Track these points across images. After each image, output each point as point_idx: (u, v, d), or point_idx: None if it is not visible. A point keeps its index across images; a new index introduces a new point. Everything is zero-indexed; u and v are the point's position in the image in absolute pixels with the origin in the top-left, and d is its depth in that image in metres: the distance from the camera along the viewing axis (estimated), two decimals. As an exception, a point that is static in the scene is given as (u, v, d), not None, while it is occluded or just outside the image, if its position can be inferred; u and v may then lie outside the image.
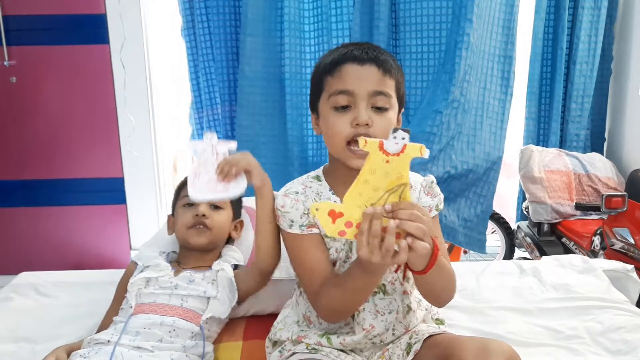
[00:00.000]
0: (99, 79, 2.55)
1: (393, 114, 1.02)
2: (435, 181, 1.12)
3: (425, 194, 1.10)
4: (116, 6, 2.48)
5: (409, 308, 1.12)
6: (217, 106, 2.65)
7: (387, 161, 0.83)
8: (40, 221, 2.67)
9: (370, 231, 0.82)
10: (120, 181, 2.66)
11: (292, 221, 1.05)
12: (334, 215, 0.86)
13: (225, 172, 1.11)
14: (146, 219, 2.70)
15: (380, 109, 1.00)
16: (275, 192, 1.12)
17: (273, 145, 2.59)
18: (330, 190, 1.08)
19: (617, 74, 2.75)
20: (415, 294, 1.14)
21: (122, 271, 1.41)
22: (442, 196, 1.12)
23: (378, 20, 2.46)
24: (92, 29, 2.50)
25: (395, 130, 0.83)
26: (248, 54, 2.49)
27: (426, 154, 0.83)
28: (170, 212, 1.46)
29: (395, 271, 1.01)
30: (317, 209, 0.86)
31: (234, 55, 2.58)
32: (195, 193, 1.10)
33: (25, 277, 1.68)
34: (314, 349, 1.08)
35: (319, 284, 1.03)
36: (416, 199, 1.09)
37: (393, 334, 1.11)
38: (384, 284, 1.07)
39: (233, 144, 1.14)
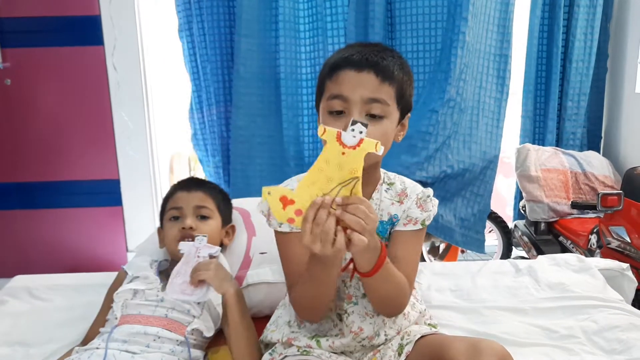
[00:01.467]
0: (94, 81, 2.55)
1: (390, 123, 1.01)
2: (432, 196, 1.11)
3: (416, 206, 1.09)
4: (110, 7, 2.47)
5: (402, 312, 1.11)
6: (213, 107, 2.65)
7: (343, 153, 0.83)
8: (36, 224, 2.66)
9: (315, 220, 0.83)
10: (116, 183, 2.66)
11: None
12: (285, 201, 0.85)
13: (194, 279, 1.15)
14: (142, 221, 2.69)
15: (374, 117, 0.99)
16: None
17: (269, 146, 2.59)
18: None
19: (613, 72, 2.74)
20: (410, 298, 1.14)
21: (113, 274, 1.40)
22: (433, 212, 1.10)
23: (373, 20, 2.45)
24: (87, 31, 2.49)
25: (354, 122, 0.83)
26: (243, 54, 2.48)
27: (380, 150, 0.84)
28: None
29: (342, 270, 1.01)
30: (268, 193, 0.85)
31: (229, 55, 2.57)
32: (169, 292, 1.16)
33: (20, 280, 1.68)
34: (305, 351, 1.08)
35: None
36: (407, 208, 1.08)
37: (385, 337, 1.11)
38: None
39: (215, 249, 1.19)
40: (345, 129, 0.94)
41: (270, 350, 1.13)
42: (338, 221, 0.83)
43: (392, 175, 1.14)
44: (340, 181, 0.84)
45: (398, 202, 1.09)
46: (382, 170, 1.13)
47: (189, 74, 2.63)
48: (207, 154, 2.73)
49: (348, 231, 0.83)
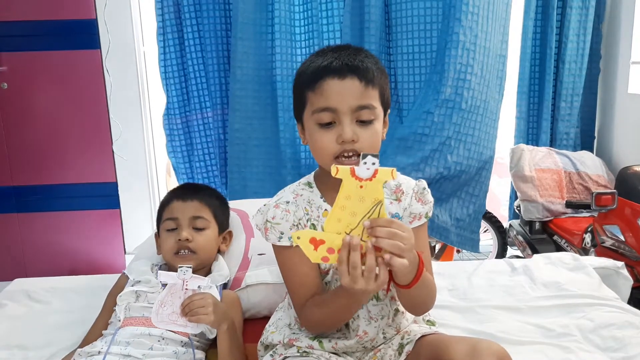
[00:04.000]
0: (91, 84, 2.55)
1: (378, 124, 1.02)
2: (427, 187, 1.12)
3: (416, 201, 1.09)
4: (106, 11, 2.47)
5: (397, 310, 1.12)
6: (208, 110, 2.65)
7: (361, 186, 0.85)
8: (34, 227, 2.66)
9: (350, 262, 0.83)
10: (114, 186, 2.66)
11: (282, 233, 1.05)
12: (315, 242, 0.86)
13: (187, 312, 1.13)
14: (140, 224, 2.69)
15: (364, 122, 0.99)
16: (265, 202, 1.11)
17: (265, 148, 2.60)
18: (321, 198, 1.08)
19: (606, 73, 2.77)
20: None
21: (116, 276, 1.41)
22: (432, 202, 1.11)
23: (369, 22, 2.46)
24: (83, 35, 2.50)
25: (364, 156, 0.84)
26: (239, 57, 2.49)
27: (396, 176, 0.86)
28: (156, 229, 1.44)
29: (387, 291, 1.02)
30: (298, 237, 0.86)
31: (225, 58, 2.58)
32: (157, 322, 1.14)
33: (18, 283, 1.68)
34: (305, 352, 1.08)
35: (305, 298, 1.04)
36: (407, 205, 1.09)
37: (384, 337, 1.12)
38: None
39: (204, 281, 1.17)
40: (338, 140, 0.98)
41: (271, 352, 1.13)
42: (377, 249, 0.84)
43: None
44: (365, 212, 0.85)
45: (396, 200, 1.09)
46: None
47: (161, 79, 2.60)
48: (186, 160, 2.71)
49: (387, 256, 0.84)
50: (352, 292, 0.88)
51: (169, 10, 2.54)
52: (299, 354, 1.07)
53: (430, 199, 1.11)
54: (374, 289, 0.85)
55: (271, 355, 1.12)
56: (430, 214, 1.10)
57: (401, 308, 1.12)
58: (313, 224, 1.05)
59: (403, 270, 0.86)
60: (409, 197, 1.09)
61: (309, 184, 1.10)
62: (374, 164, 0.84)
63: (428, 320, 1.20)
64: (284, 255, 1.06)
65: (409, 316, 1.16)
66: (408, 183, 1.12)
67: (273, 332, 1.17)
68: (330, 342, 1.09)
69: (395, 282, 0.93)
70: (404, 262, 0.84)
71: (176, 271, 1.15)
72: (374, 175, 0.84)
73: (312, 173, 1.13)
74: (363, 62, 1.00)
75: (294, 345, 1.11)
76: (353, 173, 0.84)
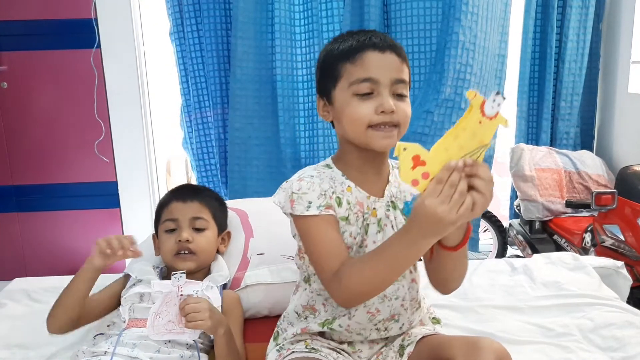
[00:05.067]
0: (90, 84, 2.55)
1: (409, 102, 1.04)
2: None
3: None
4: (106, 10, 2.47)
5: (419, 305, 1.13)
6: (208, 109, 2.66)
7: (480, 122, 0.83)
8: (34, 226, 2.66)
9: (449, 181, 0.82)
10: (114, 185, 2.66)
11: (310, 202, 1.01)
12: (417, 161, 0.84)
13: (185, 314, 1.12)
14: (140, 223, 2.69)
15: (400, 96, 1.01)
16: (287, 181, 1.08)
17: (266, 147, 2.60)
18: (342, 175, 1.07)
19: (605, 72, 2.77)
20: (421, 291, 1.15)
21: (116, 275, 1.40)
22: None
23: (369, 22, 2.46)
24: (83, 34, 2.50)
25: (497, 93, 0.82)
26: (239, 56, 2.49)
27: (508, 125, 0.85)
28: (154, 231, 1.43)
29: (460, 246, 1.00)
30: (404, 149, 0.83)
31: (226, 58, 2.58)
32: (153, 334, 1.12)
33: (18, 283, 1.68)
34: (313, 349, 1.07)
35: (337, 265, 0.98)
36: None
37: (400, 326, 1.10)
38: None
39: (199, 285, 1.15)
40: (377, 111, 0.97)
41: (277, 347, 1.12)
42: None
43: (396, 161, 1.15)
44: (470, 150, 0.84)
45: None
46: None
47: (179, 77, 2.63)
48: (199, 156, 2.74)
49: (473, 194, 0.83)
50: (426, 222, 0.84)
51: (174, 10, 2.54)
52: (306, 350, 1.06)
53: None
54: (454, 218, 0.82)
55: (278, 351, 1.11)
56: None
57: (421, 302, 1.12)
58: (338, 197, 1.04)
59: (477, 213, 0.84)
60: None
61: (327, 166, 1.10)
62: (499, 105, 0.82)
63: (434, 318, 1.20)
64: (311, 225, 1.02)
65: (424, 310, 1.15)
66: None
67: (285, 328, 1.15)
68: (342, 326, 1.07)
69: (444, 245, 0.94)
70: (486, 203, 0.83)
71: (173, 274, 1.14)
72: (495, 116, 0.83)
73: (329, 158, 1.12)
74: (396, 42, 1.04)
75: (301, 340, 1.10)
76: (482, 106, 0.82)
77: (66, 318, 1.21)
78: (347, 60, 1.01)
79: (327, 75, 1.05)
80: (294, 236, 1.12)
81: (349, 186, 1.05)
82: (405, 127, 1.02)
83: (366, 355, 1.12)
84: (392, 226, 1.06)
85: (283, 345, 1.12)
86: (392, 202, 1.07)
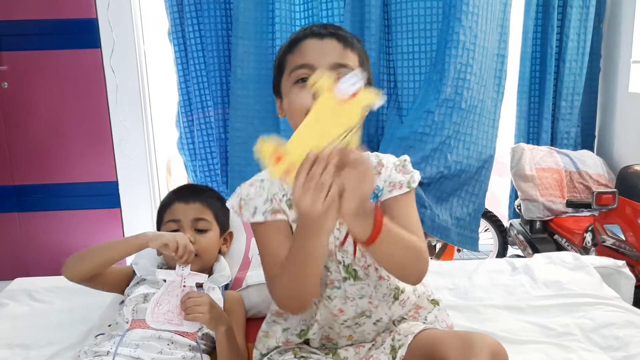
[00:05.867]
0: (91, 84, 2.55)
1: None
2: (409, 160, 1.09)
3: (396, 172, 1.06)
4: (107, 11, 2.48)
5: (395, 298, 1.09)
6: (209, 109, 2.66)
7: (338, 105, 0.76)
8: (35, 226, 2.66)
9: (310, 173, 0.77)
10: (115, 185, 2.66)
11: (255, 208, 1.02)
12: (277, 155, 0.77)
13: (184, 308, 1.12)
14: (141, 223, 2.69)
15: None
16: (244, 184, 1.07)
17: (266, 147, 2.59)
18: None
19: (606, 72, 2.77)
20: (406, 286, 1.11)
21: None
22: (416, 175, 1.07)
23: (369, 22, 2.47)
24: (84, 34, 2.50)
25: (351, 71, 0.78)
26: (240, 56, 2.50)
27: (379, 102, 0.77)
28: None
29: (342, 244, 0.99)
30: (263, 144, 0.77)
31: (226, 58, 2.58)
32: (152, 321, 1.13)
33: (19, 283, 1.68)
34: (302, 356, 1.06)
35: (275, 272, 0.97)
36: (387, 177, 1.06)
37: (375, 321, 1.08)
38: (355, 269, 1.04)
39: (203, 277, 1.15)
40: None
41: (266, 359, 1.11)
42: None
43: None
44: (335, 136, 0.77)
45: (377, 173, 1.07)
46: None
47: (177, 77, 2.63)
48: (193, 157, 2.73)
49: (341, 181, 0.78)
50: (303, 220, 0.82)
51: (172, 10, 2.54)
52: (295, 359, 1.05)
53: (412, 170, 1.07)
54: (319, 209, 0.77)
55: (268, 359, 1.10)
56: (413, 185, 1.05)
57: (401, 285, 1.09)
58: (289, 199, 1.01)
59: (352, 215, 0.81)
60: (388, 170, 1.06)
61: None
62: (355, 83, 0.76)
63: (432, 300, 1.17)
64: (257, 230, 1.03)
65: (408, 303, 1.12)
66: (389, 158, 1.09)
67: (267, 336, 1.14)
68: (315, 333, 1.06)
69: (357, 240, 0.89)
70: (353, 200, 0.79)
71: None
72: (354, 95, 0.76)
73: None
74: (341, 30, 1.01)
75: (289, 350, 1.08)
76: (331, 88, 0.76)
77: (87, 270, 1.25)
78: (289, 52, 1.01)
79: (277, 72, 1.05)
80: None
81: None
82: None
83: (355, 350, 1.10)
84: None
85: (271, 356, 1.10)
86: None
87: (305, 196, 0.77)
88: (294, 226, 1.01)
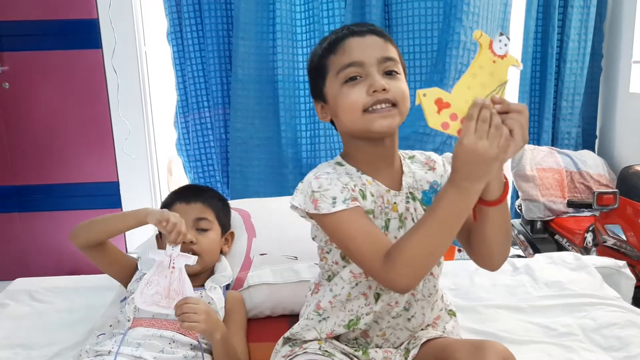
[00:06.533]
0: (92, 84, 2.55)
1: (404, 80, 1.01)
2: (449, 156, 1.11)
3: (449, 165, 1.03)
4: (108, 11, 2.48)
5: (430, 295, 1.09)
6: (208, 110, 2.66)
7: (494, 61, 0.85)
8: (36, 226, 2.67)
9: (480, 117, 0.81)
10: (116, 185, 2.66)
11: (334, 198, 0.96)
12: (440, 104, 0.83)
13: (178, 314, 1.11)
14: (141, 223, 2.69)
15: (391, 74, 0.99)
16: (301, 182, 1.03)
17: (267, 148, 2.60)
18: (358, 171, 1.03)
19: (607, 72, 2.77)
20: (440, 290, 1.12)
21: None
22: None
23: (370, 22, 2.46)
24: (85, 34, 2.50)
25: (500, 34, 0.85)
26: (241, 57, 2.50)
27: (521, 66, 0.87)
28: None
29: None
30: (424, 95, 0.83)
31: (227, 58, 2.59)
32: (140, 302, 1.12)
33: (20, 283, 1.68)
34: (326, 351, 1.04)
35: (383, 249, 0.92)
36: (444, 172, 1.09)
37: (409, 317, 1.07)
38: None
39: (192, 259, 1.14)
40: (368, 91, 0.96)
41: (290, 343, 1.10)
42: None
43: (405, 151, 1.13)
44: (492, 88, 0.85)
45: (430, 169, 1.09)
46: None
47: (175, 78, 2.62)
48: (192, 158, 2.72)
49: (509, 125, 0.82)
50: (470, 164, 0.83)
51: (171, 11, 2.54)
52: (320, 352, 1.04)
53: None
54: (496, 152, 0.81)
55: (290, 346, 1.09)
56: None
57: (438, 304, 1.11)
58: (361, 190, 1.00)
59: (519, 146, 0.83)
60: (440, 165, 1.10)
61: (339, 163, 1.06)
62: (506, 45, 0.85)
63: (450, 310, 1.18)
64: (341, 220, 0.96)
65: (437, 306, 1.13)
66: (433, 155, 1.13)
67: (307, 328, 1.09)
68: (367, 323, 1.05)
69: (485, 201, 0.91)
70: (526, 136, 0.83)
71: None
72: (505, 55, 0.85)
73: (337, 157, 1.09)
74: (377, 27, 1.04)
75: (314, 340, 1.07)
76: (490, 45, 0.84)
77: (90, 238, 1.30)
78: (331, 53, 1.01)
79: (316, 76, 1.05)
80: (313, 238, 1.09)
81: (367, 179, 1.02)
82: (404, 104, 0.98)
83: (384, 344, 1.09)
84: (413, 219, 1.03)
85: (296, 342, 1.09)
86: (410, 193, 1.04)
87: (482, 138, 0.81)
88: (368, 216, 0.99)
